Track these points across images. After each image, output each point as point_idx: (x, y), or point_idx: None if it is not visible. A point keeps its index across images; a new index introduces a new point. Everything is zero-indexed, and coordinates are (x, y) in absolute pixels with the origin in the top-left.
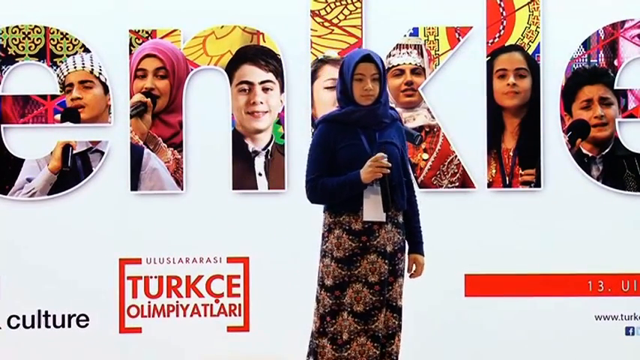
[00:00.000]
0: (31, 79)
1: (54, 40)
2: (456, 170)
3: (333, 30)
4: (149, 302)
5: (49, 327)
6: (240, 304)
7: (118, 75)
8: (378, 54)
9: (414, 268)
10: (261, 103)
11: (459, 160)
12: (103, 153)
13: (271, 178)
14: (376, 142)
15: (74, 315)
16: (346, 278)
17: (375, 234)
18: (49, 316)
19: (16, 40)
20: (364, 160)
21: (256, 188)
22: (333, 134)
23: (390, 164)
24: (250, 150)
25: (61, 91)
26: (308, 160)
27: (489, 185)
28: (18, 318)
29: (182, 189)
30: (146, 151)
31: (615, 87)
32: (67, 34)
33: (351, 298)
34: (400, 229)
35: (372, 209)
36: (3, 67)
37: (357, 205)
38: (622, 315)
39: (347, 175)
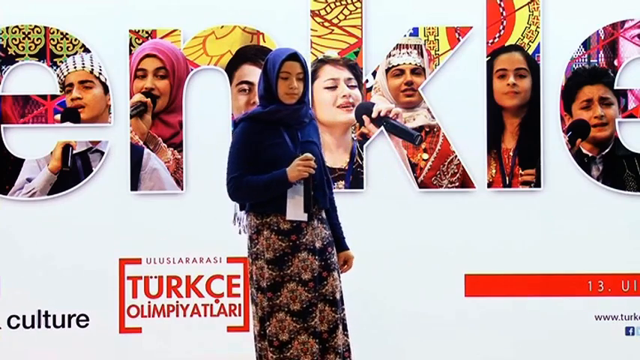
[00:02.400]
0: (31, 79)
1: (54, 40)
2: (456, 170)
3: (333, 30)
4: (149, 302)
5: (49, 327)
6: (240, 304)
7: (118, 75)
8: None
9: (342, 262)
10: None
11: (459, 160)
12: (103, 153)
13: None
14: (299, 140)
15: (74, 315)
16: (279, 279)
17: (303, 232)
18: (49, 316)
19: (16, 40)
20: (288, 159)
21: None
22: (256, 132)
23: (315, 165)
24: None
25: (61, 91)
26: (229, 158)
27: (489, 185)
28: (18, 318)
29: (182, 189)
30: (146, 151)
31: (615, 87)
32: (67, 34)
33: (286, 297)
34: (325, 225)
35: (296, 208)
36: (3, 67)
37: (284, 205)
38: (622, 315)
39: (272, 173)
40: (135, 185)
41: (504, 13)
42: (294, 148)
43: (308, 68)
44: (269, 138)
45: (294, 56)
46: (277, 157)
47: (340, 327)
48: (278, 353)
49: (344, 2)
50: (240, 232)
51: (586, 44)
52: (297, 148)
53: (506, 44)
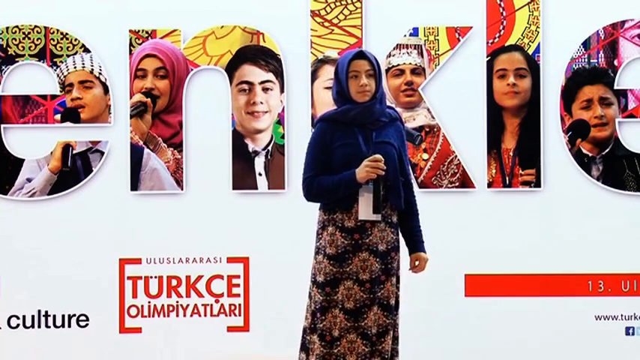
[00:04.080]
0: (31, 79)
1: (54, 40)
2: (456, 170)
3: (333, 30)
4: (149, 302)
5: (49, 327)
6: (240, 304)
7: (118, 75)
8: (374, 54)
9: (416, 263)
10: (261, 103)
11: (459, 160)
12: (103, 153)
13: (271, 178)
14: (372, 141)
15: (74, 315)
16: (337, 275)
17: (367, 232)
18: (49, 316)
19: (16, 40)
20: (360, 160)
21: (256, 188)
22: (329, 133)
23: (384, 166)
24: (250, 150)
25: (61, 91)
26: (305, 159)
27: (489, 185)
28: (18, 318)
29: (182, 189)
30: (146, 151)
31: (615, 87)
32: (67, 34)
33: (342, 295)
34: (394, 229)
35: (367, 208)
36: (3, 67)
37: (351, 203)
38: (622, 315)
39: (342, 174)
40: (135, 185)
41: (504, 13)
42: (366, 148)
43: (380, 66)
44: (341, 138)
45: (362, 54)
46: (348, 157)
47: (391, 333)
48: (328, 348)
49: (344, 2)
50: None
51: (586, 44)
52: (369, 149)
53: (506, 44)
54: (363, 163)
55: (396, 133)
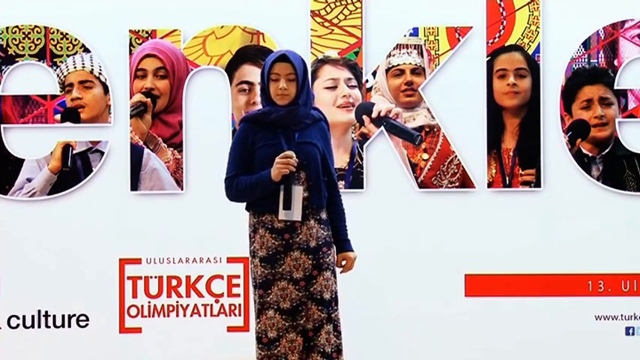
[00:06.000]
0: (31, 79)
1: (54, 40)
2: (456, 170)
3: (333, 30)
4: (149, 302)
5: (49, 327)
6: (240, 304)
7: (118, 75)
8: (296, 54)
9: (343, 263)
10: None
11: (459, 160)
12: (103, 153)
13: None
14: (295, 141)
15: (74, 315)
16: (270, 277)
17: (297, 231)
18: (49, 316)
19: (16, 40)
20: None
21: None
22: (251, 134)
23: (295, 162)
24: None
25: (61, 91)
26: (228, 159)
27: (489, 185)
28: (18, 318)
29: (182, 189)
30: (146, 151)
31: (615, 87)
32: (67, 34)
33: (276, 295)
34: (324, 225)
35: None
36: (3, 67)
37: (277, 204)
38: (622, 315)
39: (260, 173)
40: (135, 185)
41: (504, 13)
42: (288, 149)
43: (306, 69)
44: (264, 139)
45: (284, 57)
46: (269, 157)
47: (328, 327)
48: (266, 350)
49: (344, 2)
50: None
51: (586, 44)
52: (291, 149)
53: (506, 44)
54: (275, 161)
55: (319, 134)
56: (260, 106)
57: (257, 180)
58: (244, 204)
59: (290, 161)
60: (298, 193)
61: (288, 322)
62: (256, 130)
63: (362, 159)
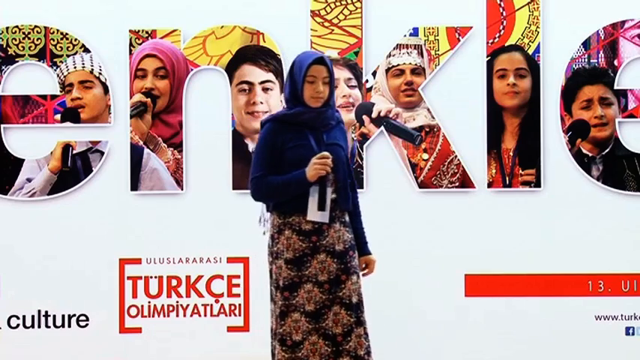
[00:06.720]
0: (31, 79)
1: (54, 40)
2: (456, 170)
3: (333, 30)
4: (149, 302)
5: (49, 327)
6: (240, 304)
7: (118, 75)
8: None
9: (364, 266)
10: (261, 103)
11: (459, 160)
12: (103, 153)
13: None
14: (324, 143)
15: (74, 315)
16: (296, 279)
17: (324, 233)
18: (49, 316)
19: (16, 40)
20: None
21: None
22: (281, 134)
23: (331, 163)
24: (250, 150)
25: (61, 91)
26: (254, 159)
27: (489, 185)
28: (18, 318)
29: (182, 189)
30: (146, 151)
31: (615, 87)
32: (67, 34)
33: (302, 298)
34: (348, 228)
35: (315, 208)
36: (3, 67)
37: (306, 206)
38: (622, 315)
39: (292, 173)
40: (135, 185)
41: (504, 13)
42: (318, 149)
43: (334, 72)
44: (293, 139)
45: (321, 60)
46: (301, 158)
47: (359, 330)
48: (290, 353)
49: (344, 2)
50: (264, 233)
51: (586, 44)
52: (321, 150)
53: (506, 44)
54: (312, 161)
55: (342, 136)
56: (260, 106)
57: (290, 180)
58: (264, 205)
59: (327, 162)
60: (329, 195)
61: (311, 324)
62: (285, 131)
63: (362, 159)
